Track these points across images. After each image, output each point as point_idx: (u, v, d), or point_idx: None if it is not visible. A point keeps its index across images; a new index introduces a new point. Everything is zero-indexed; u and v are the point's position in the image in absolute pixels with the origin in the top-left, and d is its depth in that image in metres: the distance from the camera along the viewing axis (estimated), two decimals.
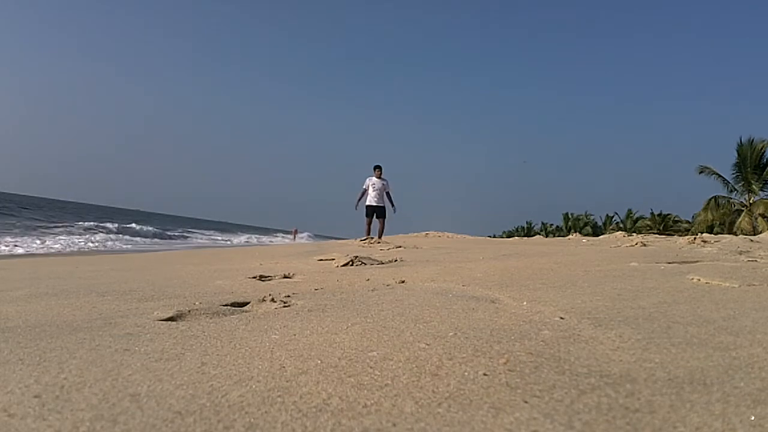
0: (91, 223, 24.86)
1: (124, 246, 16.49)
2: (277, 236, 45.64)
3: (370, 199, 12.35)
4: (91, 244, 15.35)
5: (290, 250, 8.75)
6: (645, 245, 5.60)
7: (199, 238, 31.05)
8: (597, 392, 1.04)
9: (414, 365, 1.25)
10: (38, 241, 14.34)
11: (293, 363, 1.29)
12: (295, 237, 37.56)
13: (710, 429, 0.86)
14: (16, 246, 12.35)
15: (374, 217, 12.36)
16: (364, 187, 12.45)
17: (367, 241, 10.51)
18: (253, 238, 34.00)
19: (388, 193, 12.49)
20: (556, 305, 2.01)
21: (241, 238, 33.06)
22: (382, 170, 12.44)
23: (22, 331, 1.74)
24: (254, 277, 3.49)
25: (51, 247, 13.15)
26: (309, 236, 43.59)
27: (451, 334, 1.55)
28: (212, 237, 33.46)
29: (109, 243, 16.73)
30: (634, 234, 10.13)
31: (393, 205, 12.52)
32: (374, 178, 12.36)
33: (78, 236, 17.94)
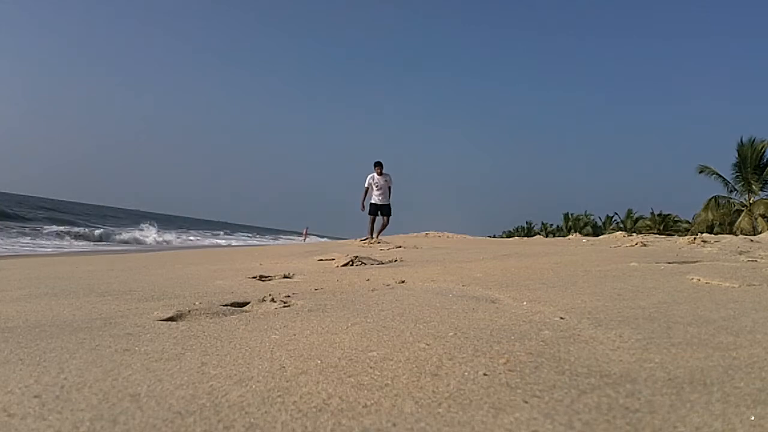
0: (135, 231, 24.24)
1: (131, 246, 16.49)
2: (279, 239, 44.30)
3: (374, 198, 12.19)
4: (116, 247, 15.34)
5: (290, 250, 8.75)
6: (645, 245, 5.60)
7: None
8: (597, 392, 1.04)
9: (414, 365, 1.25)
10: (63, 242, 14.35)
11: (293, 363, 1.29)
12: (305, 237, 36.75)
13: (710, 429, 0.86)
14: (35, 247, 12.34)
15: (378, 215, 12.20)
16: (365, 185, 12.26)
17: (367, 241, 10.49)
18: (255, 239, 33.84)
19: (389, 188, 12.30)
20: (556, 305, 2.01)
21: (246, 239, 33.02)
22: (383, 166, 12.24)
23: (22, 331, 1.74)
24: (254, 277, 3.49)
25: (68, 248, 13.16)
26: (321, 237, 42.47)
27: (451, 334, 1.55)
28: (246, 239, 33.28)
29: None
30: (634, 234, 10.12)
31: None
32: (375, 176, 12.16)
33: (93, 242, 17.94)
